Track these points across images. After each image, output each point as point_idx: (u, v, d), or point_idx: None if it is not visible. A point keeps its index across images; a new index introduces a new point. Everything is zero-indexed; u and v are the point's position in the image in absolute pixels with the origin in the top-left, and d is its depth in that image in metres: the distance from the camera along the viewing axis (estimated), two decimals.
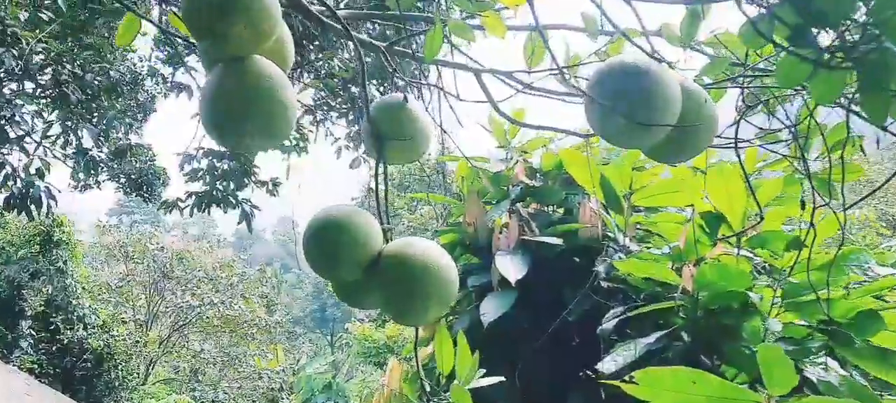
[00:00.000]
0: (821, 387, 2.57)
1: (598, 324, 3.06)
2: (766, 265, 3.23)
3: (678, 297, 2.94)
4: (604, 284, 3.33)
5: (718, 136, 2.49)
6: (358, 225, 1.65)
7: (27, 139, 8.51)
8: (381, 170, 1.81)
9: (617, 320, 3.01)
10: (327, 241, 1.65)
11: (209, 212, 9.50)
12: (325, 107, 9.20)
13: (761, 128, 2.71)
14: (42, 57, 8.59)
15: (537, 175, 4.06)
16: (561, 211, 4.03)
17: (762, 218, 2.40)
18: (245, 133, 1.50)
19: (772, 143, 2.75)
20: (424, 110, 1.88)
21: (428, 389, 2.26)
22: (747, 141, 2.59)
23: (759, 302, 2.82)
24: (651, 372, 1.65)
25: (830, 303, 2.58)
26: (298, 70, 9.03)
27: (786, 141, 2.60)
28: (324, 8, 2.07)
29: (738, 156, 2.43)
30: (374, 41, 2.01)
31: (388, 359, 4.75)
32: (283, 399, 23.10)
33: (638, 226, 3.73)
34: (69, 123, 8.97)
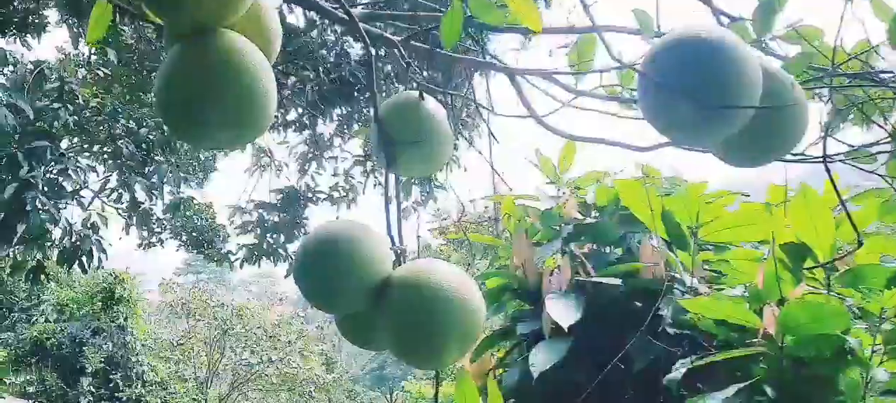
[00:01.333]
0: None
1: (662, 375, 2.65)
2: (859, 307, 2.78)
3: (759, 343, 2.52)
4: (669, 330, 2.92)
5: (800, 154, 2.12)
6: (358, 243, 1.32)
7: (82, 193, 8.60)
8: (391, 178, 1.51)
9: (685, 369, 2.60)
10: (320, 264, 1.32)
11: (259, 265, 9.40)
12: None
13: (851, 146, 2.31)
14: (98, 115, 8.75)
15: (591, 211, 3.68)
16: (619, 250, 3.63)
17: (861, 243, 1.98)
18: (208, 123, 1.19)
19: (866, 162, 2.34)
20: (445, 112, 1.57)
21: None
22: (837, 155, 2.20)
23: (858, 348, 2.38)
24: None
25: None
26: (348, 119, 8.95)
27: (887, 152, 2.18)
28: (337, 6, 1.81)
29: (828, 172, 2.03)
30: (389, 36, 1.73)
31: None
32: None
33: (706, 266, 3.30)
34: (124, 176, 9.06)
